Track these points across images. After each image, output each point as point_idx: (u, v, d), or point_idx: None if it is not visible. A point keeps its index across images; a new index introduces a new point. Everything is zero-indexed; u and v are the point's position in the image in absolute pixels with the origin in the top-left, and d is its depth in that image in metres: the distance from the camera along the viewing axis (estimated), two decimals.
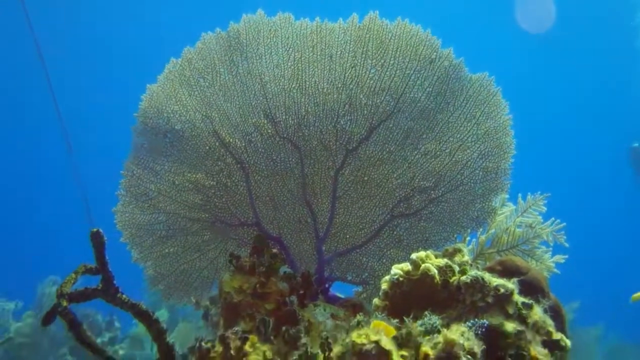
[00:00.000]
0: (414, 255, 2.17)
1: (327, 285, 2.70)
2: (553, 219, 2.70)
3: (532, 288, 2.30)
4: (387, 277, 2.18)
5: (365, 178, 2.69)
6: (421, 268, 2.13)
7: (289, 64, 2.62)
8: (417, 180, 2.67)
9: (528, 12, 23.66)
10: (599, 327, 8.35)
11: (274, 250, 2.44)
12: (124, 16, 25.27)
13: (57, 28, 22.07)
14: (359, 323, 2.06)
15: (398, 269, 2.16)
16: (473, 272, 2.06)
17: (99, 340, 6.64)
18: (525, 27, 24.06)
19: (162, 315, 6.69)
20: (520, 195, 2.73)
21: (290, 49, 2.62)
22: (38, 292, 7.47)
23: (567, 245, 2.71)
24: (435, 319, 1.94)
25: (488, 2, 24.78)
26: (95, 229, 1.81)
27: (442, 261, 2.18)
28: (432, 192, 2.67)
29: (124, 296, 1.93)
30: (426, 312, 2.03)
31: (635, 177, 9.82)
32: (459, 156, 2.65)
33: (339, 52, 2.61)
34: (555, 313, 2.31)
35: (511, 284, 2.07)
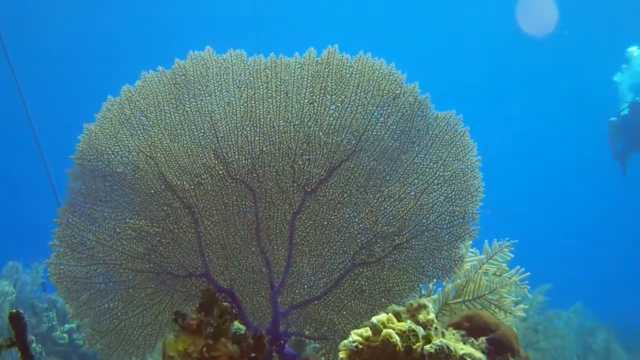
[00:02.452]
0: (374, 319, 1.99)
1: (282, 342, 2.50)
2: (518, 267, 2.57)
3: (501, 346, 2.16)
4: (345, 343, 2.00)
5: (325, 222, 2.50)
6: (382, 334, 1.95)
7: (241, 101, 2.43)
8: (380, 225, 2.48)
9: (530, 16, 23.83)
10: (577, 307, 8.38)
11: (225, 305, 2.24)
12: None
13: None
14: None
15: (357, 335, 1.97)
16: (438, 341, 1.89)
17: (66, 327, 6.38)
18: (527, 30, 24.24)
19: None
20: (486, 241, 2.58)
21: (243, 86, 2.42)
22: None
23: (530, 295, 2.58)
24: None
25: (490, 5, 24.92)
26: (14, 310, 1.59)
27: (405, 325, 2.00)
28: (396, 238, 2.49)
29: None
30: None
31: (612, 153, 9.91)
32: (425, 200, 2.48)
33: (296, 88, 2.42)
34: None
35: (478, 353, 1.91)
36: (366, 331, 1.99)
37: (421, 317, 2.15)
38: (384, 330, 1.96)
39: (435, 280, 2.52)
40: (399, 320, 2.06)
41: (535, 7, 23.69)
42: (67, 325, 6.49)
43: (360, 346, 1.96)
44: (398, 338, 1.94)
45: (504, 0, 24.28)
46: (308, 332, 2.56)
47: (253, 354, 2.15)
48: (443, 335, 2.01)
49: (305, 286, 2.54)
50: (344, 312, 2.52)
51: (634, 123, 9.20)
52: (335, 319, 2.52)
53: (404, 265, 2.50)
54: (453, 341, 1.95)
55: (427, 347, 1.88)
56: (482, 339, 2.07)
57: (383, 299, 2.50)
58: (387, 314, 2.05)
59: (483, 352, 1.96)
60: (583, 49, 25.86)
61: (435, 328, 2.08)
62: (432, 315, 2.16)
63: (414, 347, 1.94)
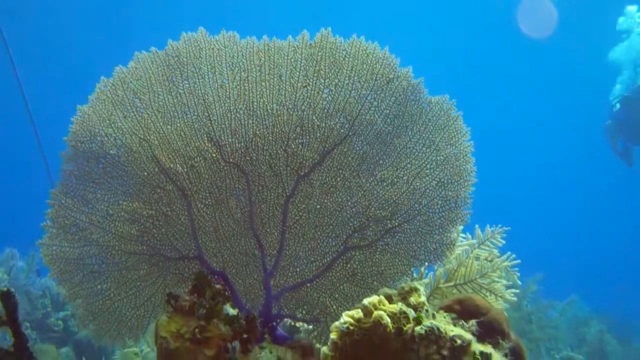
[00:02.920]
0: (365, 301, 2.00)
1: (274, 324, 2.51)
2: (509, 253, 2.58)
3: (492, 329, 2.18)
4: (336, 324, 2.01)
5: (318, 206, 2.50)
6: (373, 315, 1.96)
7: (235, 84, 2.42)
8: (372, 209, 2.49)
9: (530, 17, 23.80)
10: (572, 299, 8.44)
11: (217, 287, 2.25)
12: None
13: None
14: None
15: (348, 317, 1.98)
16: (428, 322, 1.90)
17: (61, 314, 6.39)
18: (527, 32, 24.23)
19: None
20: (477, 226, 2.59)
21: (236, 69, 2.42)
22: None
23: (519, 283, 2.59)
24: None
25: (490, 7, 24.84)
26: (4, 289, 1.59)
27: (396, 307, 2.01)
28: (388, 222, 2.49)
29: None
30: None
31: (617, 155, 9.92)
32: (417, 184, 2.48)
33: (289, 72, 2.42)
34: (516, 355, 2.20)
35: (468, 335, 1.92)
36: (357, 313, 2.00)
37: (412, 299, 2.16)
38: (375, 312, 1.97)
39: (427, 264, 2.53)
40: (390, 303, 2.07)
41: (535, 10, 23.66)
42: (61, 312, 6.51)
43: (351, 327, 1.97)
44: (389, 320, 1.95)
45: (504, 2, 24.27)
46: (300, 314, 2.57)
47: (245, 335, 2.16)
48: (434, 317, 2.02)
49: (298, 269, 2.54)
50: (336, 295, 2.53)
51: (628, 117, 9.20)
52: (328, 302, 2.54)
53: (396, 249, 2.51)
54: (443, 323, 1.97)
55: (417, 328, 1.89)
56: (473, 322, 2.08)
57: (375, 282, 2.51)
58: (379, 296, 2.06)
59: (473, 335, 1.97)
60: (584, 53, 25.82)
61: (426, 310, 2.10)
62: (423, 298, 2.17)
63: (405, 328, 1.95)
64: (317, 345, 2.41)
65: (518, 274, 2.57)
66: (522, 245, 2.65)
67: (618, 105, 9.34)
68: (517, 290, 2.57)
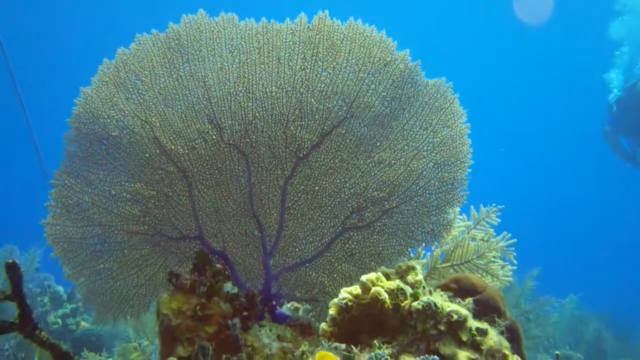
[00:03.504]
0: (363, 278, 2.04)
1: (274, 303, 2.55)
2: (505, 233, 2.62)
3: (488, 307, 2.22)
4: (335, 301, 2.06)
5: (316, 188, 2.54)
6: (371, 292, 2.01)
7: (234, 66, 2.45)
8: (370, 190, 2.53)
9: (526, 3, 23.69)
10: (572, 299, 8.47)
11: (217, 266, 2.29)
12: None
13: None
14: (303, 354, 1.93)
15: (347, 293, 2.03)
16: (425, 298, 1.94)
17: (60, 312, 6.45)
18: (523, 18, 24.13)
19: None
20: (472, 207, 2.63)
21: (235, 51, 2.45)
22: None
23: (515, 262, 2.63)
24: (384, 352, 1.82)
25: None
26: (10, 261, 1.63)
27: (394, 284, 2.06)
28: (386, 203, 2.53)
29: (42, 333, 1.75)
30: (375, 341, 1.91)
31: (623, 158, 9.89)
32: (414, 165, 2.52)
33: (288, 54, 2.45)
34: (512, 333, 2.23)
35: (465, 310, 1.96)
36: (356, 289, 2.04)
37: (409, 278, 2.21)
38: (373, 288, 2.02)
39: (424, 244, 2.57)
40: (387, 280, 2.11)
41: None
42: (60, 310, 6.55)
43: (349, 303, 2.02)
44: (387, 295, 2.00)
45: None
46: (299, 294, 2.61)
47: (245, 313, 2.20)
48: (430, 294, 2.07)
49: (297, 249, 2.59)
50: (335, 275, 2.58)
51: (626, 117, 9.17)
52: (326, 282, 2.58)
53: (394, 230, 2.55)
54: (440, 300, 2.01)
55: (414, 303, 1.94)
56: (469, 299, 2.12)
57: (373, 263, 2.55)
58: (377, 273, 2.10)
59: (470, 312, 2.01)
60: (579, 40, 25.71)
61: (423, 287, 2.14)
62: (420, 277, 2.22)
63: (402, 304, 2.00)
64: (316, 325, 2.46)
65: (514, 254, 2.61)
66: (519, 241, 2.68)
67: (615, 107, 9.31)
68: (514, 267, 2.61)
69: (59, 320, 6.42)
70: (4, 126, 24.01)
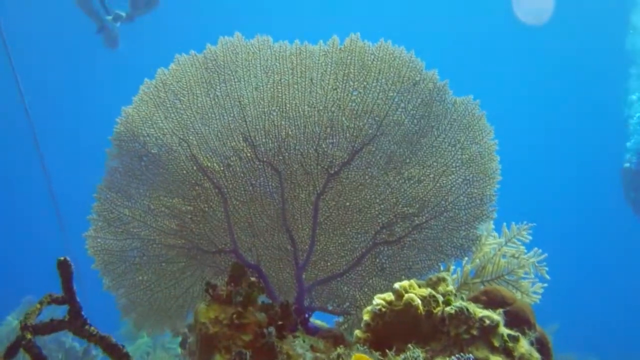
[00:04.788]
0: (397, 285, 2.09)
1: (306, 316, 2.61)
2: (536, 249, 2.64)
3: (518, 319, 2.24)
4: (369, 308, 2.10)
5: (347, 203, 2.61)
6: (404, 298, 2.05)
7: (268, 86, 2.56)
8: (400, 206, 2.59)
9: (525, 3, 23.57)
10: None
11: (252, 279, 2.35)
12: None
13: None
14: (339, 356, 1.98)
15: (380, 299, 2.08)
16: (458, 303, 1.99)
17: None
18: (522, 18, 23.96)
19: (144, 342, 6.51)
20: (505, 224, 2.66)
21: (270, 72, 2.55)
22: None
23: (547, 277, 2.64)
24: (418, 353, 1.87)
25: None
26: (62, 258, 1.71)
27: (426, 291, 2.10)
28: (416, 218, 2.59)
29: (92, 328, 1.82)
30: (409, 345, 1.95)
31: (625, 197, 9.71)
32: (443, 182, 2.58)
33: (320, 75, 2.55)
34: (541, 345, 2.25)
35: (497, 316, 2.00)
36: (389, 296, 2.09)
37: (440, 288, 2.25)
38: (406, 295, 2.06)
39: (453, 259, 2.61)
40: (420, 288, 2.16)
41: None
42: None
43: (383, 309, 2.06)
44: (419, 302, 2.04)
45: None
46: (331, 307, 2.66)
47: (280, 322, 2.26)
48: (462, 300, 2.10)
49: (329, 263, 2.65)
50: (365, 289, 2.63)
51: None
52: (357, 295, 2.63)
53: (423, 245, 2.60)
54: (473, 306, 2.05)
55: (447, 308, 1.98)
56: (500, 310, 2.15)
57: (403, 277, 2.60)
58: (409, 281, 2.15)
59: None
60: (580, 41, 25.36)
61: (455, 294, 2.18)
62: (451, 287, 2.26)
63: (435, 311, 2.04)
64: (348, 338, 2.50)
65: (546, 269, 2.63)
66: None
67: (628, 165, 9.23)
68: (545, 284, 2.62)
69: None
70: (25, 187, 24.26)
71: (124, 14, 8.38)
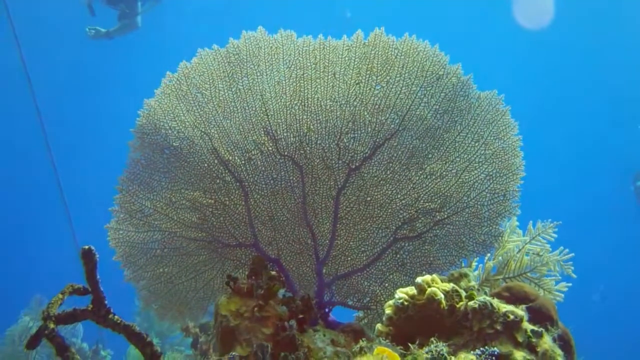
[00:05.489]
0: (419, 279, 2.08)
1: (327, 310, 2.60)
2: (561, 248, 2.60)
3: (540, 316, 2.21)
4: (391, 302, 2.09)
5: (368, 198, 2.60)
6: (427, 292, 2.04)
7: (291, 80, 2.55)
8: (421, 201, 2.58)
9: (525, 7, 23.37)
10: None
11: (273, 273, 2.35)
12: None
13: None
14: (361, 349, 1.96)
15: (403, 293, 2.06)
16: (481, 298, 1.97)
17: None
18: (523, 22, 23.77)
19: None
20: (531, 222, 2.63)
21: (292, 66, 2.55)
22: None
23: (574, 276, 2.61)
24: (442, 346, 1.85)
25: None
26: (86, 247, 1.72)
27: (449, 286, 2.08)
28: (437, 214, 2.58)
29: (115, 317, 1.82)
30: (432, 339, 1.93)
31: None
32: (466, 177, 2.56)
33: (343, 70, 2.54)
34: (564, 342, 2.22)
35: (521, 311, 1.98)
36: (411, 290, 2.08)
37: (462, 284, 2.23)
38: (429, 289, 2.04)
39: (475, 255, 2.59)
40: (442, 283, 2.14)
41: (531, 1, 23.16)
42: None
43: (405, 303, 2.05)
44: (442, 296, 2.03)
45: None
46: (351, 302, 2.65)
47: (301, 315, 2.25)
48: (486, 294, 2.09)
49: (349, 258, 2.64)
50: (386, 284, 2.61)
51: None
52: (378, 291, 2.62)
53: (445, 240, 2.59)
54: (496, 301, 2.03)
55: (470, 303, 1.96)
56: (522, 307, 2.13)
57: (424, 272, 2.58)
58: (432, 275, 2.13)
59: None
60: (582, 45, 25.06)
61: (478, 289, 2.16)
62: (473, 283, 2.24)
63: (458, 305, 2.02)
64: (369, 333, 2.48)
65: (572, 268, 2.60)
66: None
67: None
68: (570, 284, 2.59)
69: None
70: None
71: (103, 30, 8.37)
